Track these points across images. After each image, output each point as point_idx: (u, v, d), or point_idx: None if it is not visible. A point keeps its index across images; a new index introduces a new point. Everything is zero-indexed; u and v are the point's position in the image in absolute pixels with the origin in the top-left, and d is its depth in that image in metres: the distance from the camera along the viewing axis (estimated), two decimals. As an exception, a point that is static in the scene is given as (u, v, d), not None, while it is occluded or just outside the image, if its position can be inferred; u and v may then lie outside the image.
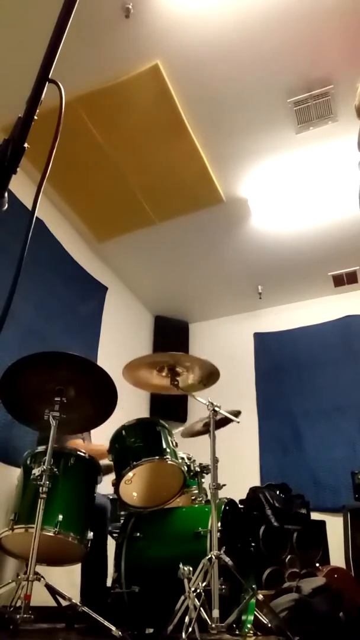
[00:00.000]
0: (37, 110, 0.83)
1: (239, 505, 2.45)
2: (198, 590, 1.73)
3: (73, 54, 2.70)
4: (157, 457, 2.24)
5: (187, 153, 3.40)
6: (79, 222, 4.07)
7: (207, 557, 1.80)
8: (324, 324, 4.77)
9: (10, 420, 2.61)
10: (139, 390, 3.17)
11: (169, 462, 2.25)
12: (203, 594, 1.72)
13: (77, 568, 2.42)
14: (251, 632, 1.84)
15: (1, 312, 0.84)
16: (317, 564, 2.89)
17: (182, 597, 1.73)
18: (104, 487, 2.46)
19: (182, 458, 2.43)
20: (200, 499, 2.48)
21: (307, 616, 2.00)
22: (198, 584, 1.75)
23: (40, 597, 1.77)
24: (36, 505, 1.82)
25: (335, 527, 3.24)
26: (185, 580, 1.77)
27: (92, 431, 2.89)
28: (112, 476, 2.32)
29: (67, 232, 4.03)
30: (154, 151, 3.40)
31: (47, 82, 0.82)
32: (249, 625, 1.84)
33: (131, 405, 3.70)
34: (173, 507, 2.32)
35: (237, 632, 1.83)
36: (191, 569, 1.79)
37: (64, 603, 1.89)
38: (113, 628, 1.72)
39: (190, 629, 1.61)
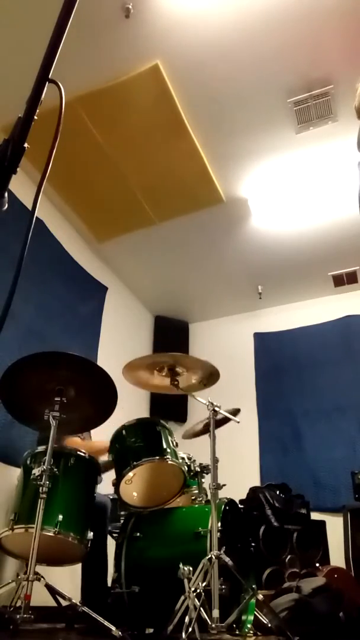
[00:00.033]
0: (37, 110, 0.83)
1: (239, 505, 2.45)
2: (198, 590, 1.73)
3: (73, 54, 2.70)
4: (157, 457, 2.24)
5: (187, 153, 3.40)
6: (79, 222, 4.07)
7: (207, 557, 1.80)
8: (324, 324, 4.77)
9: (10, 420, 2.61)
10: (139, 390, 3.17)
11: (169, 462, 2.25)
12: (203, 594, 1.72)
13: (77, 568, 2.42)
14: (251, 632, 1.84)
15: (1, 312, 0.84)
16: (317, 564, 2.90)
17: (182, 597, 1.73)
18: (104, 486, 2.46)
19: (182, 458, 2.44)
20: (200, 499, 2.48)
21: (307, 616, 2.00)
22: (198, 584, 1.75)
23: (40, 597, 1.77)
24: (36, 505, 1.82)
25: (335, 527, 3.24)
26: (185, 580, 1.77)
27: (92, 431, 2.89)
28: (111, 474, 2.32)
29: (67, 232, 4.03)
30: (154, 151, 3.40)
31: (47, 82, 0.82)
32: (249, 625, 1.84)
33: (131, 405, 3.70)
34: (173, 507, 2.32)
35: (237, 632, 1.83)
36: (191, 569, 1.79)
37: (64, 603, 1.89)
38: (113, 628, 1.72)
39: (190, 629, 1.61)
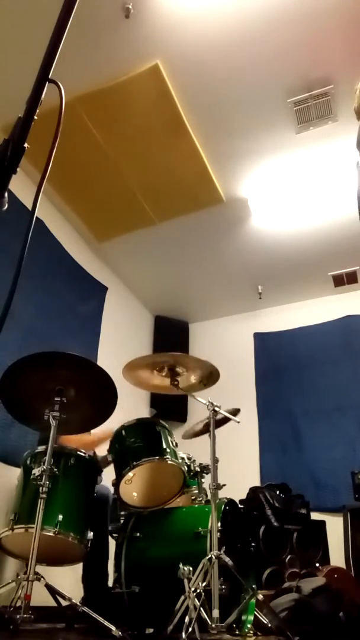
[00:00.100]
0: (37, 110, 0.83)
1: (239, 505, 2.45)
2: (198, 590, 1.73)
3: (73, 54, 2.70)
4: (157, 457, 2.24)
5: (187, 153, 3.40)
6: (79, 222, 4.07)
7: (207, 557, 1.80)
8: (324, 324, 4.77)
9: (10, 420, 2.61)
10: (139, 390, 3.17)
11: (169, 462, 2.25)
12: (203, 594, 1.72)
13: (77, 568, 2.42)
14: (251, 632, 1.84)
15: (1, 312, 0.84)
16: (317, 564, 2.90)
17: (182, 597, 1.73)
18: (104, 484, 2.46)
19: (182, 458, 2.44)
20: (200, 499, 2.48)
21: (307, 616, 2.00)
22: (198, 584, 1.75)
23: (40, 597, 1.77)
24: (36, 505, 1.82)
25: (335, 527, 3.24)
26: (185, 580, 1.77)
27: (92, 431, 2.88)
28: (110, 471, 2.32)
29: (67, 232, 4.03)
30: (154, 151, 3.40)
31: (47, 82, 0.82)
32: (249, 625, 1.84)
33: (131, 405, 3.69)
34: (173, 507, 2.32)
35: (237, 632, 1.83)
36: (191, 569, 1.79)
37: (64, 603, 1.89)
38: (113, 628, 1.72)
39: (190, 629, 1.61)
